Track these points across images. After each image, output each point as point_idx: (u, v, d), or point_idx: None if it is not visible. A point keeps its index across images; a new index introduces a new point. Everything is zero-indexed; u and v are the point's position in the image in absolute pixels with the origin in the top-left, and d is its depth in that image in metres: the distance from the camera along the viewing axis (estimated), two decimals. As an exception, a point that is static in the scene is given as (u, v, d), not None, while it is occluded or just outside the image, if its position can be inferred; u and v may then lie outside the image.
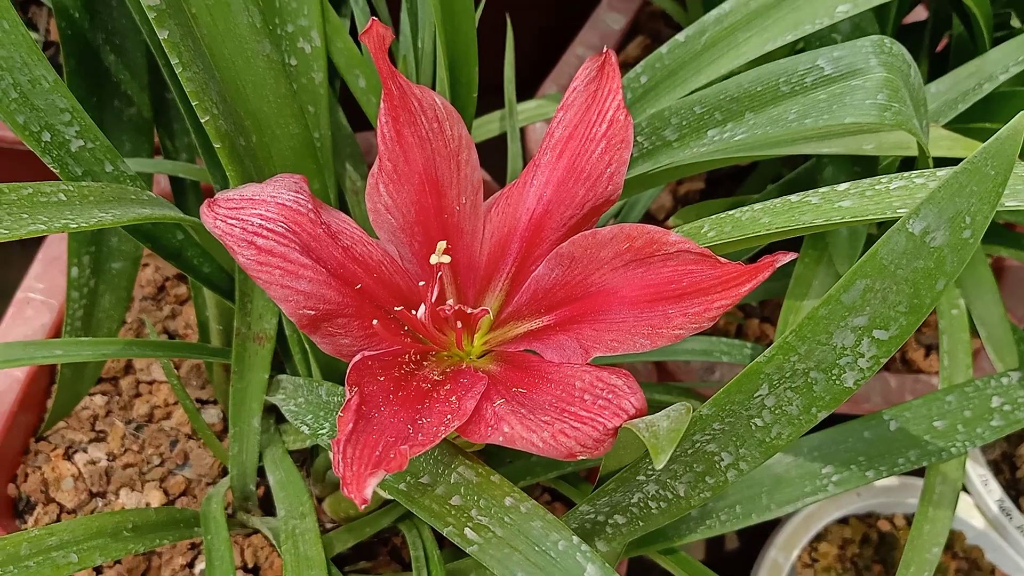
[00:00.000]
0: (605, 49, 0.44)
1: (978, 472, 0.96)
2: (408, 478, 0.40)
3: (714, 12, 0.56)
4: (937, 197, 0.33)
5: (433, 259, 0.39)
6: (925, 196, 0.33)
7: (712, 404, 0.40)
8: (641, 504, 0.45)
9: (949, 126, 0.59)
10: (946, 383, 0.63)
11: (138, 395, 0.75)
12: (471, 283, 0.46)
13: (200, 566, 0.69)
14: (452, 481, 0.39)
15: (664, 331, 0.39)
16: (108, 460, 0.72)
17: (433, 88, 0.56)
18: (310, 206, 0.40)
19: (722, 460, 0.41)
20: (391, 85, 0.41)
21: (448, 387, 0.39)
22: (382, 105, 0.42)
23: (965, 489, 0.96)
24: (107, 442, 0.73)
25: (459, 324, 0.43)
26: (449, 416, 0.37)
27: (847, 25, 0.59)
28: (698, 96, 0.49)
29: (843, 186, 0.40)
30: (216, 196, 0.39)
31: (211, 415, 0.74)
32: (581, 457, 0.35)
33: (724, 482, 0.42)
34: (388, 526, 0.67)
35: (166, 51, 0.41)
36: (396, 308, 0.41)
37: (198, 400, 0.75)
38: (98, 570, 0.68)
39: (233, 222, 0.38)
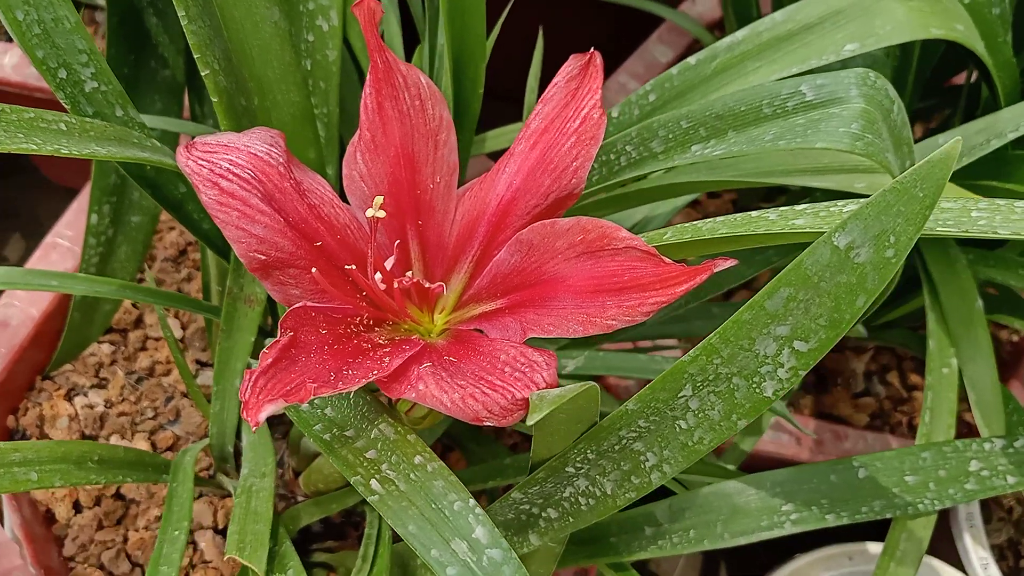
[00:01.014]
0: (591, 49, 0.45)
1: (979, 555, 0.92)
2: (335, 430, 0.41)
3: (727, 39, 0.57)
4: (864, 214, 0.34)
5: (369, 212, 0.41)
6: (852, 211, 0.34)
7: (638, 400, 0.40)
8: (572, 499, 0.45)
9: (955, 179, 0.59)
10: (924, 439, 0.62)
11: (144, 348, 0.78)
12: (439, 262, 0.47)
13: (173, 519, 0.71)
14: (372, 436, 0.40)
15: (598, 320, 0.40)
16: (105, 407, 0.75)
17: (439, 83, 0.58)
18: (282, 160, 0.42)
19: (647, 460, 0.42)
20: (377, 58, 0.43)
21: (387, 350, 0.41)
22: (368, 77, 0.44)
23: (964, 571, 0.93)
24: (107, 389, 0.76)
25: (416, 296, 0.45)
26: (375, 372, 0.38)
27: (859, 63, 0.59)
28: (686, 111, 0.50)
29: (801, 206, 0.41)
30: (195, 139, 0.42)
31: (207, 377, 0.76)
32: (488, 423, 0.36)
33: (648, 483, 0.42)
34: (359, 510, 0.69)
35: (174, 3, 0.43)
36: (348, 267, 0.42)
37: (198, 362, 0.77)
38: (77, 509, 0.71)
39: (203, 163, 0.40)
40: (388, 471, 0.38)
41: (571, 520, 0.46)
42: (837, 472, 0.59)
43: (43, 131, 0.43)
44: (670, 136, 0.50)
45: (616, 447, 0.42)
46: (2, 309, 0.74)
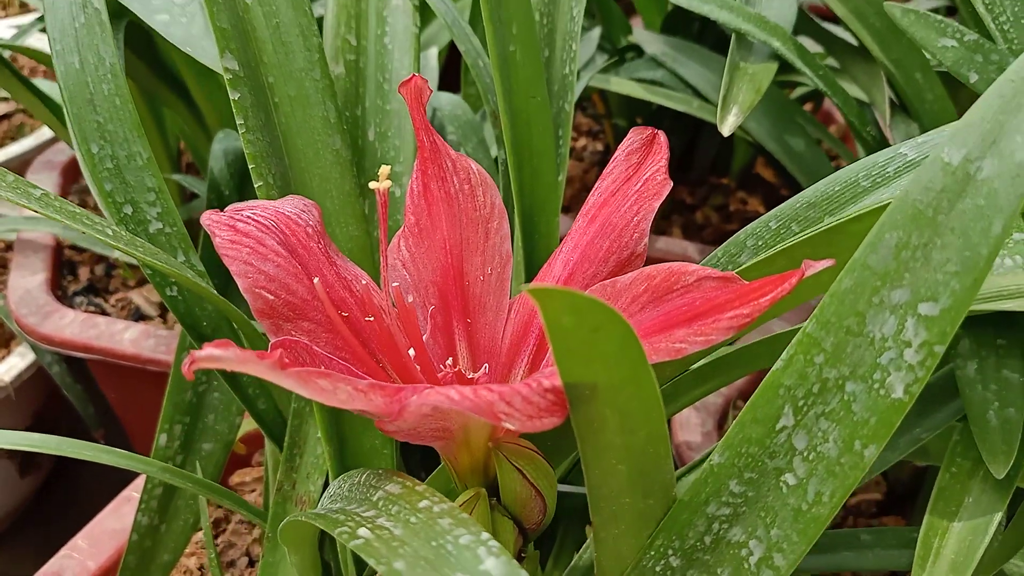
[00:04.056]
0: (653, 130, 0.42)
1: None
2: (338, 503, 0.32)
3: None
4: (977, 117, 0.26)
5: (372, 185, 0.35)
6: (962, 119, 0.27)
7: (724, 447, 0.30)
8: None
9: None
10: None
11: (199, 613, 0.68)
12: (491, 370, 0.40)
13: None
14: (375, 499, 0.30)
15: (662, 345, 0.31)
16: None
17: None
18: (312, 223, 0.38)
19: (751, 555, 0.30)
20: (424, 138, 0.41)
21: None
22: (415, 161, 0.42)
23: None
24: (151, 660, 0.65)
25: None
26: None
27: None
28: (774, 212, 0.44)
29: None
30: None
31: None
32: (508, 424, 0.27)
33: (758, 598, 0.30)
34: None
35: (234, 111, 0.44)
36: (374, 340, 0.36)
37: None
38: None
39: (225, 215, 0.37)
40: (385, 522, 0.28)
41: None
42: None
43: (85, 224, 0.42)
44: (759, 243, 0.44)
45: (707, 539, 0.31)
46: (59, 560, 0.68)
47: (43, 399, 1.03)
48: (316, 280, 0.34)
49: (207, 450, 0.65)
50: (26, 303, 0.89)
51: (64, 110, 0.48)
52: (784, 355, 0.29)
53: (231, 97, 0.44)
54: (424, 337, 0.38)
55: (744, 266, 0.35)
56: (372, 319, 0.38)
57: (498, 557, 0.25)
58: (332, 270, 0.38)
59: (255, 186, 0.45)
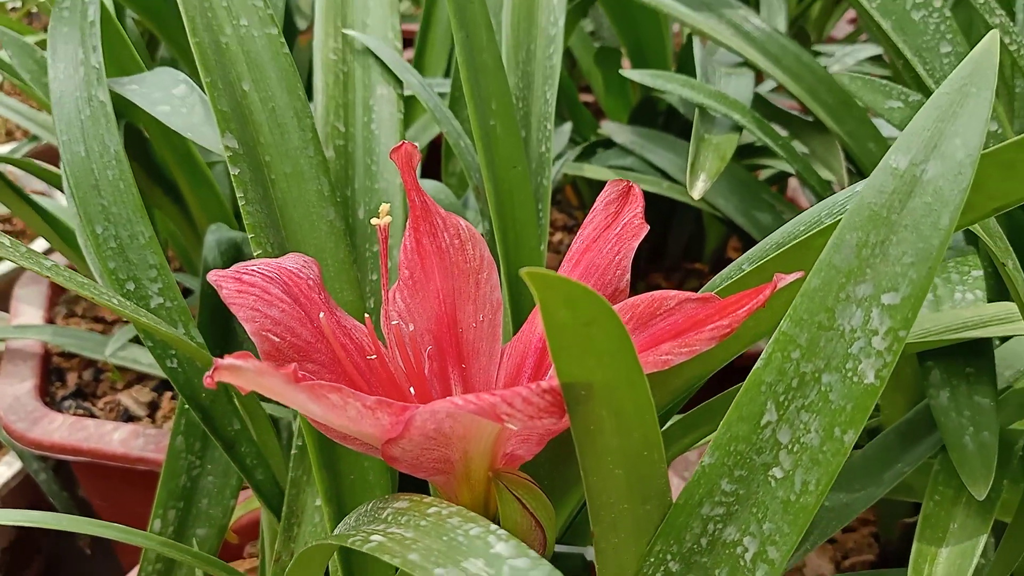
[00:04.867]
0: (628, 182, 0.45)
1: None
2: (352, 531, 0.33)
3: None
4: (918, 127, 0.30)
5: (373, 220, 0.37)
6: (905, 130, 0.30)
7: (714, 448, 0.32)
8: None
9: None
10: None
11: None
12: (487, 415, 0.42)
13: None
14: (384, 516, 0.32)
15: (649, 359, 0.33)
16: None
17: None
18: (312, 277, 0.41)
19: (746, 551, 0.31)
20: (415, 198, 0.44)
21: None
22: (407, 220, 0.44)
23: None
24: None
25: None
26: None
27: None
28: (747, 255, 0.47)
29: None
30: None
31: None
32: (511, 424, 0.28)
33: (756, 591, 0.31)
34: None
35: (233, 185, 0.47)
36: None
37: None
38: None
39: (231, 271, 0.39)
40: (395, 529, 0.29)
41: None
42: None
43: (92, 293, 0.44)
44: (736, 287, 0.47)
45: (703, 540, 0.32)
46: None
47: (29, 508, 1.02)
48: (321, 315, 0.36)
49: (201, 535, 0.65)
50: (15, 410, 0.90)
51: (69, 196, 0.51)
52: (764, 354, 0.31)
53: (231, 172, 0.47)
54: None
55: (721, 287, 0.37)
56: (374, 357, 0.40)
57: (507, 542, 0.26)
58: (333, 318, 0.40)
59: (254, 254, 0.47)
